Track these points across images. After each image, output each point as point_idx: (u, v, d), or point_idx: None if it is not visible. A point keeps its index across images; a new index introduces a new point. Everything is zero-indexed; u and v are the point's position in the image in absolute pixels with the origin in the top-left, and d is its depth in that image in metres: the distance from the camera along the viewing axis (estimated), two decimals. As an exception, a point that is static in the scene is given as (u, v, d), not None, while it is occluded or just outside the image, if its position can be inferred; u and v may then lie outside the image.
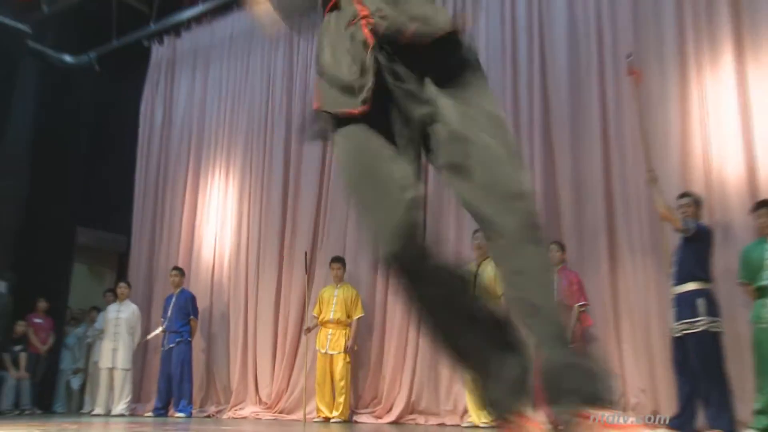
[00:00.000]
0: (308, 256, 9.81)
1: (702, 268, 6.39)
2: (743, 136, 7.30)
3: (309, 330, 9.47)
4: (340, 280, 9.35)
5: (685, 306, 6.28)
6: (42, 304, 11.83)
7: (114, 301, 11.16)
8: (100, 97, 13.55)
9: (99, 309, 11.91)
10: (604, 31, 8.44)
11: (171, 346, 10.24)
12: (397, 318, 9.17)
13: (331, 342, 9.12)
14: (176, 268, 10.80)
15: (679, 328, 6.28)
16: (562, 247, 7.67)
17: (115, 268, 13.58)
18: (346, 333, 9.15)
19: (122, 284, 11.23)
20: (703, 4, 7.80)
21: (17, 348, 11.40)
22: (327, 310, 9.26)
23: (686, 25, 7.89)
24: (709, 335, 6.14)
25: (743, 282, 6.43)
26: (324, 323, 9.25)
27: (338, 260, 9.40)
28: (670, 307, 6.50)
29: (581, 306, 7.39)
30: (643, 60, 7.86)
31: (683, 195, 6.75)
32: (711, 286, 6.37)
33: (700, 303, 6.19)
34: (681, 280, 6.40)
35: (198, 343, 10.91)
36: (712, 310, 6.21)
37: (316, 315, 9.40)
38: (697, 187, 7.24)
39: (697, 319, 6.16)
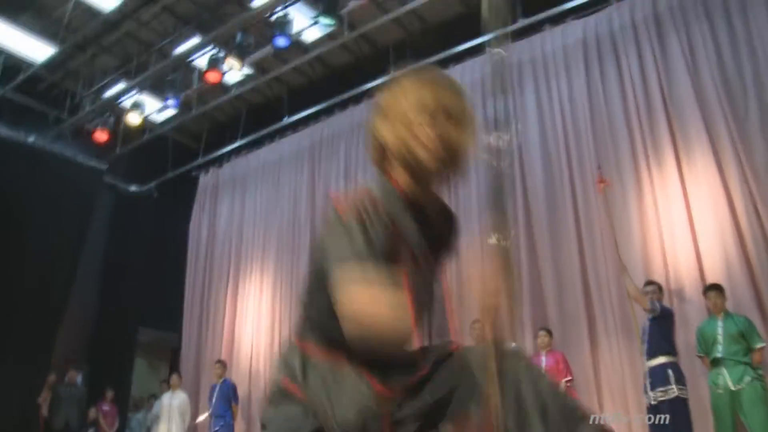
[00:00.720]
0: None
1: (669, 343, 6.40)
2: (689, 229, 7.40)
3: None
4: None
5: (657, 377, 6.24)
6: (109, 393, 11.62)
7: (168, 390, 10.89)
8: (158, 218, 13.66)
9: (156, 397, 11.66)
10: (571, 150, 8.55)
11: (216, 429, 9.87)
12: None
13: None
14: (219, 361, 10.51)
15: (654, 396, 6.19)
16: (549, 333, 7.56)
17: (169, 361, 13.37)
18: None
19: (174, 376, 10.99)
20: (647, 126, 8.02)
21: (90, 431, 11.21)
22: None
23: (636, 140, 8.09)
24: (680, 401, 6.11)
25: (700, 355, 6.40)
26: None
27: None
28: (644, 378, 6.40)
29: (567, 381, 7.20)
30: (605, 171, 7.96)
31: (649, 283, 6.79)
32: (677, 359, 6.37)
33: (671, 373, 6.17)
34: (652, 354, 6.37)
35: (240, 425, 10.51)
36: (681, 379, 6.24)
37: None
38: (657, 275, 7.33)
39: (669, 387, 6.13)
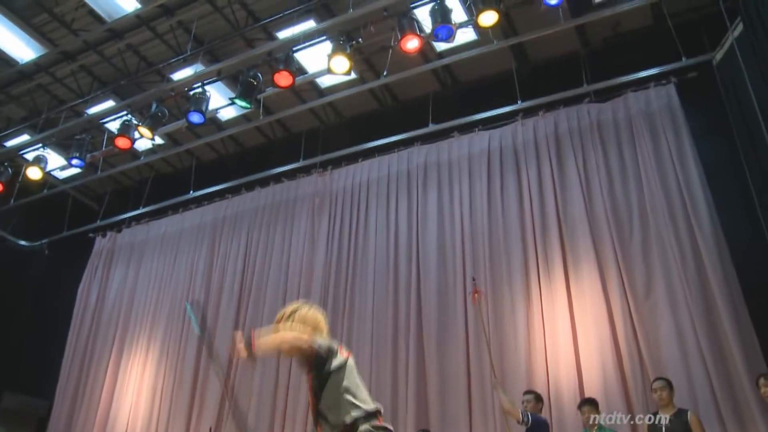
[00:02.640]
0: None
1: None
2: (572, 342, 7.59)
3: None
4: (238, 453, 8.64)
5: None
6: (-43, 465, 10.50)
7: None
8: (46, 276, 13.03)
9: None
10: (466, 254, 8.72)
11: None
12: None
13: None
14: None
15: None
16: None
17: (34, 430, 12.32)
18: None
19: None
20: (540, 238, 8.31)
21: None
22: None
23: (529, 251, 8.34)
24: None
25: None
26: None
27: (236, 436, 8.74)
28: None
29: None
30: (496, 283, 8.28)
31: (526, 392, 6.84)
32: None
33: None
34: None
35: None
36: None
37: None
38: (540, 383, 7.46)
39: None
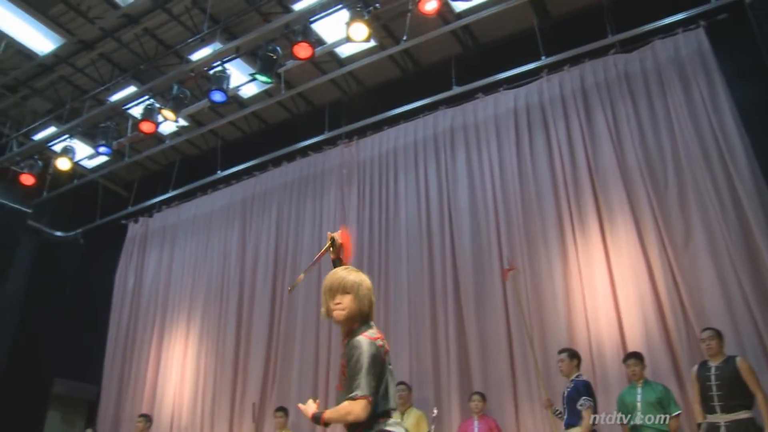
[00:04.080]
0: (256, 407, 9.26)
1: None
2: (612, 298, 7.46)
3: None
4: (282, 427, 8.69)
5: None
6: (15, 450, 10.78)
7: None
8: (83, 265, 13.22)
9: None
10: (500, 215, 8.63)
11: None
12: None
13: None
14: (143, 415, 9.84)
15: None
16: (483, 398, 7.45)
17: (85, 414, 12.59)
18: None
19: (89, 430, 10.35)
20: (573, 194, 8.13)
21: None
22: (272, 454, 8.56)
23: (562, 208, 8.21)
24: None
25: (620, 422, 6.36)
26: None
27: (280, 409, 8.78)
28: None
29: None
30: (531, 242, 8.17)
31: (561, 351, 6.78)
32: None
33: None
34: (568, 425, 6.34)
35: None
36: None
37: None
38: (581, 343, 7.37)
39: None
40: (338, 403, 2.91)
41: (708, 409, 5.80)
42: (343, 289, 3.05)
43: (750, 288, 6.70)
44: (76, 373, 12.52)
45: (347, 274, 3.11)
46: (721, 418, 5.67)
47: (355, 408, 2.80)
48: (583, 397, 6.23)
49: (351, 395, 2.82)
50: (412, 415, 7.49)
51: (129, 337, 11.92)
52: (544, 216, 8.22)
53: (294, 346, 9.64)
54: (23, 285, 12.65)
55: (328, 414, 2.88)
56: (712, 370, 5.86)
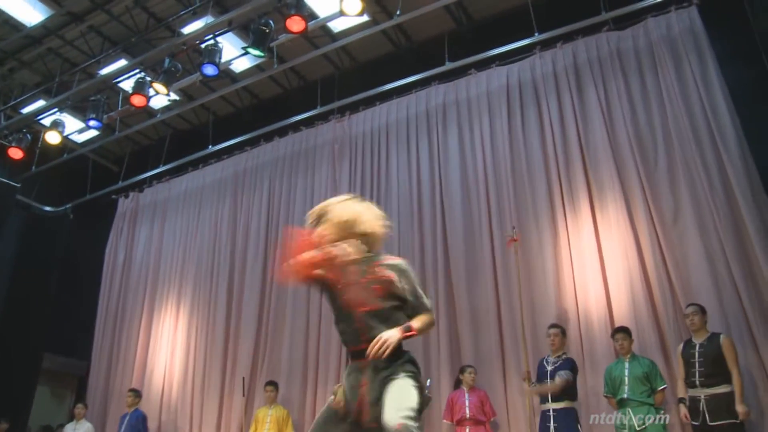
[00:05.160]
0: (246, 381, 9.36)
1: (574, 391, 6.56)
2: (600, 273, 7.58)
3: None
4: (272, 401, 8.81)
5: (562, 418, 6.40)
6: (3, 425, 10.79)
7: (73, 419, 10.27)
8: (72, 240, 13.09)
9: (52, 428, 10.97)
10: (490, 191, 8.70)
11: (123, 460, 9.37)
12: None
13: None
14: (132, 389, 9.97)
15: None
16: (475, 370, 7.54)
17: (75, 389, 12.68)
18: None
19: (79, 405, 10.37)
20: (564, 171, 8.22)
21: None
22: (261, 428, 8.64)
23: (553, 185, 8.29)
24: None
25: (607, 395, 6.54)
26: (259, 440, 8.62)
27: (271, 384, 8.90)
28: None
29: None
30: (522, 218, 8.24)
31: (552, 326, 6.97)
32: (576, 404, 6.58)
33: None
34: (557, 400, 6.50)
35: (146, 458, 10.02)
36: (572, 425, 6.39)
37: (252, 432, 8.78)
38: (570, 316, 7.53)
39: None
40: (368, 322, 3.04)
41: (690, 383, 5.98)
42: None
43: (736, 265, 6.80)
44: (65, 349, 12.55)
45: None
46: (701, 392, 5.86)
47: (432, 318, 3.20)
48: (567, 371, 6.42)
49: (425, 308, 3.16)
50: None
51: (119, 313, 11.96)
52: (534, 192, 8.31)
53: (285, 321, 9.73)
54: (12, 261, 12.56)
55: (417, 325, 3.07)
56: (696, 348, 6.01)
